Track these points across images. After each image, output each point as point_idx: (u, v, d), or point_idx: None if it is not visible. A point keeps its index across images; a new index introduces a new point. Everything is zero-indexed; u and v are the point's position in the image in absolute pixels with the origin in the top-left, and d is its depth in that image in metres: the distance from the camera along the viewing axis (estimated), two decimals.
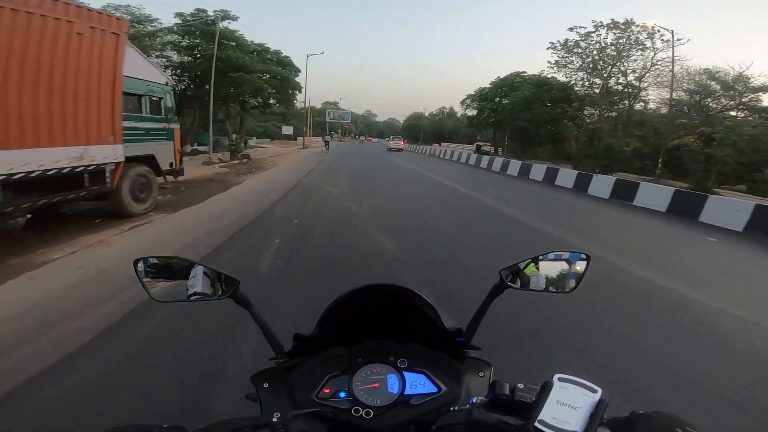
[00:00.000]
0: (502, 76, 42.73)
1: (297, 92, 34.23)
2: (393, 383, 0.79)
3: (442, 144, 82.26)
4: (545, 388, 0.58)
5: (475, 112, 50.51)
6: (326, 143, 37.66)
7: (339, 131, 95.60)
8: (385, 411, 0.75)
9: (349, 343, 0.86)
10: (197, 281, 0.83)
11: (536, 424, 0.54)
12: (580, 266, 0.90)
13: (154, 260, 0.86)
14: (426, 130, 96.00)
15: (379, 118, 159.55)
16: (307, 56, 39.74)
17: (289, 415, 0.65)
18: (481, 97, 46.58)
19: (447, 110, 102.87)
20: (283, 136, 49.96)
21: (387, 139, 67.41)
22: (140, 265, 0.84)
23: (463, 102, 53.45)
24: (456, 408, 0.70)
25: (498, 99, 42.76)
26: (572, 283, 0.90)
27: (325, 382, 0.79)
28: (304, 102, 41.05)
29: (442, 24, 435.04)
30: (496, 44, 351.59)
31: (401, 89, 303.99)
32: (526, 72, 42.00)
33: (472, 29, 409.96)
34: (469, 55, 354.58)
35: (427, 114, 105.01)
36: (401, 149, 42.77)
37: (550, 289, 0.90)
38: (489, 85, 45.11)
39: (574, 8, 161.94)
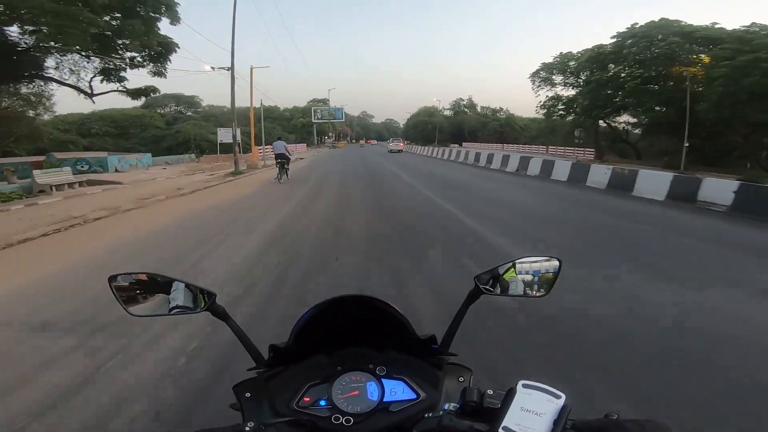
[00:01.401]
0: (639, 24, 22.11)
1: (165, 20, 13.52)
2: (372, 390, 0.79)
3: (463, 145, 62.35)
4: (509, 395, 0.59)
5: (568, 92, 29.27)
6: (279, 163, 15.07)
7: (331, 134, 74.45)
8: (365, 418, 0.75)
9: (328, 351, 0.86)
10: (179, 295, 0.84)
11: (500, 430, 0.55)
12: (553, 271, 0.90)
13: (130, 276, 0.85)
14: (442, 128, 74.95)
15: (377, 119, 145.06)
16: None
17: (262, 425, 0.66)
18: (593, 61, 25.24)
19: (464, 102, 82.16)
20: (221, 146, 28.63)
21: (388, 141, 62.60)
22: (116, 280, 0.83)
23: (535, 75, 32.28)
24: (430, 415, 0.70)
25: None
26: (545, 287, 0.90)
27: (305, 390, 0.79)
28: (231, 70, 19.70)
29: (436, 17, 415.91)
30: (503, 38, 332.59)
31: (398, 88, 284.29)
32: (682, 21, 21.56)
33: (474, 21, 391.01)
34: (471, 50, 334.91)
35: (440, 108, 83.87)
36: (401, 150, 44.79)
37: (527, 292, 0.90)
38: (612, 39, 24.32)
39: None
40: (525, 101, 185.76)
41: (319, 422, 0.73)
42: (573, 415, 0.57)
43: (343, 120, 74.05)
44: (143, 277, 0.85)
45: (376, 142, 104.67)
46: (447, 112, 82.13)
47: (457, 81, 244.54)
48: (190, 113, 66.02)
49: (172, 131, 47.26)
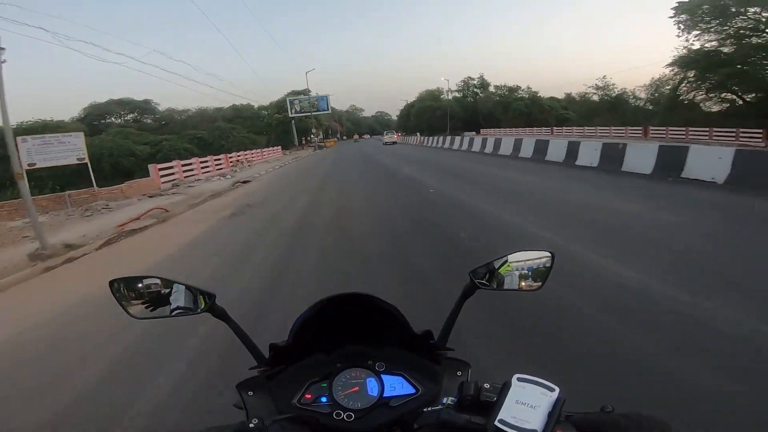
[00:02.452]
0: None
1: None
2: (372, 386, 0.80)
3: (482, 132, 48.82)
4: (505, 388, 0.60)
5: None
6: None
7: (315, 130, 59.46)
8: (366, 414, 0.76)
9: (327, 349, 0.87)
10: (179, 297, 0.85)
11: (496, 423, 0.56)
12: (546, 264, 0.90)
13: (131, 280, 0.86)
14: (454, 114, 60.54)
15: (367, 113, 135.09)
16: None
17: (267, 421, 0.66)
18: None
19: (475, 81, 67.46)
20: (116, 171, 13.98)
21: (383, 134, 59.21)
22: (116, 285, 0.84)
23: (685, 9, 17.74)
24: (429, 409, 0.71)
25: None
26: (540, 280, 0.90)
27: (306, 388, 0.80)
28: None
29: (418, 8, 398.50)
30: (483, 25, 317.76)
31: (386, 80, 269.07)
32: None
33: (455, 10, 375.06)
34: (470, 29, 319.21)
35: (446, 90, 69.32)
36: (395, 142, 47.09)
37: (522, 286, 0.90)
38: None
39: None
40: (541, 79, 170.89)
41: (321, 419, 0.74)
42: (568, 406, 0.58)
43: (329, 111, 59.38)
44: (143, 280, 0.86)
45: (369, 136, 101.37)
46: (454, 95, 67.75)
47: (454, 67, 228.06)
48: (149, 120, 51.60)
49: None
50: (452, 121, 58.94)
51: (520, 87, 62.65)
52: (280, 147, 40.53)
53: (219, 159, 21.91)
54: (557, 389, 0.59)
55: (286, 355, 0.84)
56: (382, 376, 0.81)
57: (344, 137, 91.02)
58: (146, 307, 0.85)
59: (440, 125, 59.06)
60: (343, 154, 32.42)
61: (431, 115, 62.63)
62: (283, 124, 53.67)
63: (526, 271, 0.90)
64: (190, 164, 18.29)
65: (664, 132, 27.90)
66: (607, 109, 40.04)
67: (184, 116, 55.25)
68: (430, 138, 37.94)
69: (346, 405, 0.76)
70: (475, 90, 66.87)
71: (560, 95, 62.59)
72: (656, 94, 38.76)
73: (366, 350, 0.86)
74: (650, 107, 41.02)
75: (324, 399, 0.78)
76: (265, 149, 35.41)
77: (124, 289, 0.85)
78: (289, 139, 53.13)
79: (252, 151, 30.05)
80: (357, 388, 0.79)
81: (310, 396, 0.79)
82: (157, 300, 0.85)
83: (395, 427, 0.74)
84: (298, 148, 51.30)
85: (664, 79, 30.91)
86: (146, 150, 33.05)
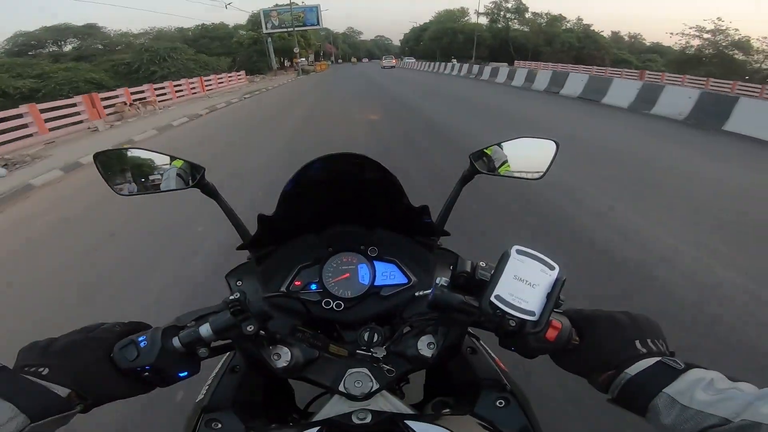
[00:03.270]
0: None
1: None
2: (364, 273, 0.77)
3: (516, 64, 37.41)
4: (503, 260, 0.55)
5: None
6: None
7: (303, 52, 45.70)
8: (356, 303, 0.74)
9: (317, 230, 0.82)
10: (168, 172, 0.79)
11: (492, 299, 0.52)
12: (549, 153, 0.84)
13: (117, 152, 0.80)
14: (481, 41, 47.81)
15: (366, 36, 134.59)
16: None
17: (254, 299, 0.61)
18: None
19: (509, 5, 52.86)
20: None
21: (382, 59, 56.08)
22: (101, 158, 0.77)
23: None
24: (422, 293, 0.69)
25: None
26: (542, 169, 0.85)
27: (296, 273, 0.77)
28: None
29: None
30: None
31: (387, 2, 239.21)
32: None
33: None
34: None
35: (474, 12, 55.52)
36: (394, 66, 44.83)
37: (523, 174, 0.86)
38: None
39: None
40: (590, 13, 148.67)
41: (310, 307, 0.72)
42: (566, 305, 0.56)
43: (320, 26, 45.91)
44: (130, 153, 0.79)
45: (368, 60, 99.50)
46: (480, 19, 54.23)
47: None
48: (99, 46, 38.49)
49: None
50: (478, 48, 46.55)
51: (565, 17, 50.14)
52: (243, 72, 28.62)
53: (71, 105, 11.07)
54: (557, 267, 0.54)
55: (274, 229, 0.76)
56: (375, 262, 0.77)
57: (339, 60, 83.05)
58: (132, 182, 0.79)
59: (461, 52, 47.08)
60: (336, 85, 22.15)
61: (451, 39, 49.83)
62: (258, 44, 40.72)
63: (529, 159, 0.85)
64: None
65: None
66: (699, 60, 29.28)
67: (142, 40, 42.07)
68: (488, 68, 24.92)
69: (335, 293, 0.73)
70: (507, 15, 53.52)
71: (608, 33, 51.37)
72: None
73: (357, 231, 0.81)
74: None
75: (314, 286, 0.75)
76: (222, 75, 23.85)
77: (109, 162, 0.78)
78: (266, 61, 40.60)
79: (185, 81, 18.66)
80: (348, 274, 0.76)
81: (299, 282, 0.75)
82: (144, 174, 0.78)
83: (386, 326, 0.71)
84: (274, 72, 38.96)
85: None
86: (30, 85, 21.66)
